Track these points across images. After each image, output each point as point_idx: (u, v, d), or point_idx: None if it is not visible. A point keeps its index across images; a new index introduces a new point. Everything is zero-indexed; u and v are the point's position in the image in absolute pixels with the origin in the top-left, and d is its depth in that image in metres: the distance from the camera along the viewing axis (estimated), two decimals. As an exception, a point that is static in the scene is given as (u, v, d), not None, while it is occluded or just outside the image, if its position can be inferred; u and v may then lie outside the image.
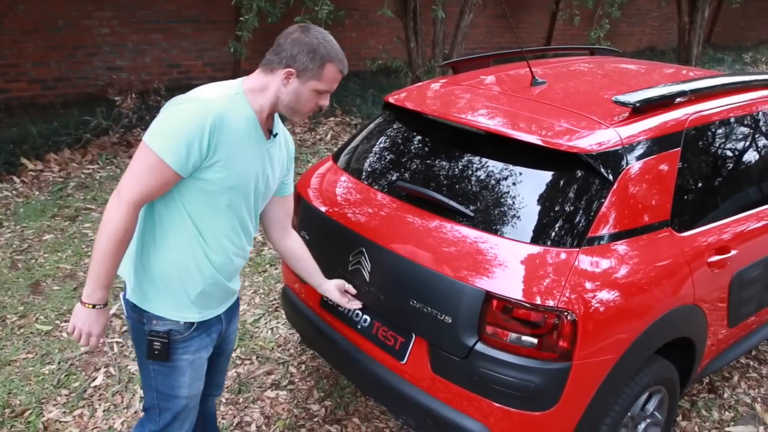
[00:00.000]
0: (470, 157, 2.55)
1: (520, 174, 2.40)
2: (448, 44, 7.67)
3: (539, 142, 2.34)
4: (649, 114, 2.53)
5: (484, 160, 2.50)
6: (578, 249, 2.18)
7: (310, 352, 3.52)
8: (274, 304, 3.96)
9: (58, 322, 3.66)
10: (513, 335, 2.13)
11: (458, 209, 2.37)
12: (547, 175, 2.37)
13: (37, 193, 5.19)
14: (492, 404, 2.19)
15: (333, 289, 2.45)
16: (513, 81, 3.06)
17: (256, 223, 2.10)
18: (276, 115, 2.03)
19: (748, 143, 2.94)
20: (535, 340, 2.10)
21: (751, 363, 3.63)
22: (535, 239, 2.22)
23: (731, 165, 2.85)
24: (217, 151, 1.79)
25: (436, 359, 2.30)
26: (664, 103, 2.58)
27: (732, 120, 2.84)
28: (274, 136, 1.99)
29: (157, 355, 1.96)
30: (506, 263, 2.21)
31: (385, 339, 2.47)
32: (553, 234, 2.23)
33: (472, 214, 2.35)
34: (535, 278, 2.15)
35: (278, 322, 3.78)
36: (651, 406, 2.60)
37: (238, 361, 3.42)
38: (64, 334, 3.55)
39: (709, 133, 2.72)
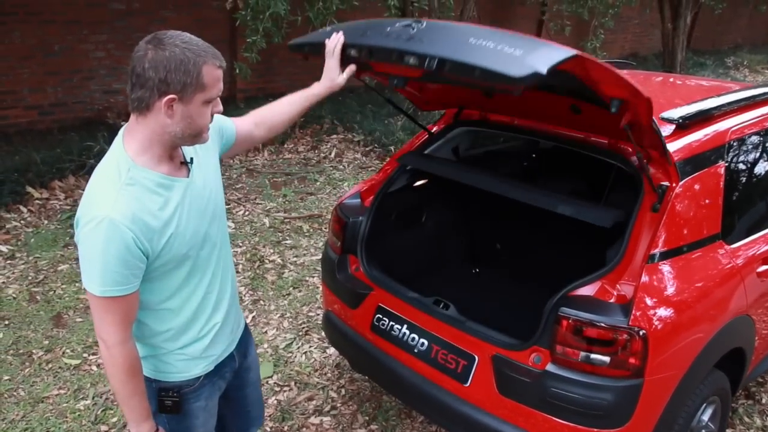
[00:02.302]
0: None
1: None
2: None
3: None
4: (693, 129, 2.57)
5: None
6: (642, 266, 2.20)
7: (348, 375, 3.50)
8: (303, 328, 3.92)
9: (86, 355, 3.59)
10: (584, 354, 2.14)
11: None
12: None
13: (46, 222, 5.09)
14: (563, 424, 2.20)
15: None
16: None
17: (226, 248, 1.94)
18: None
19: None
20: (607, 359, 2.12)
21: (782, 367, 3.69)
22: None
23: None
24: (154, 244, 1.62)
25: (502, 380, 2.30)
26: (706, 117, 2.63)
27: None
28: (191, 162, 1.75)
29: (170, 410, 1.88)
30: None
31: (445, 362, 2.47)
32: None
33: None
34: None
35: (311, 346, 3.75)
36: (706, 417, 2.63)
37: (277, 388, 3.38)
38: (94, 368, 3.49)
39: (749, 143, 2.77)
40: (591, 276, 2.23)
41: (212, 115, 1.65)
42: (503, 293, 3.21)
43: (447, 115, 3.16)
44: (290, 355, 3.68)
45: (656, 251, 2.23)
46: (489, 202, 3.48)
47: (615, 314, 2.11)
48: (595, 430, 2.17)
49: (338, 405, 3.28)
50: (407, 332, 2.61)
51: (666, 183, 2.35)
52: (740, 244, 2.56)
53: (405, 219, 3.20)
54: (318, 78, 2.18)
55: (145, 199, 1.60)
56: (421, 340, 2.55)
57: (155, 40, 1.54)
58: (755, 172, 2.81)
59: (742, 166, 2.72)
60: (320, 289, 4.38)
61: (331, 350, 3.68)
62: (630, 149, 2.49)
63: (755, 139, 2.81)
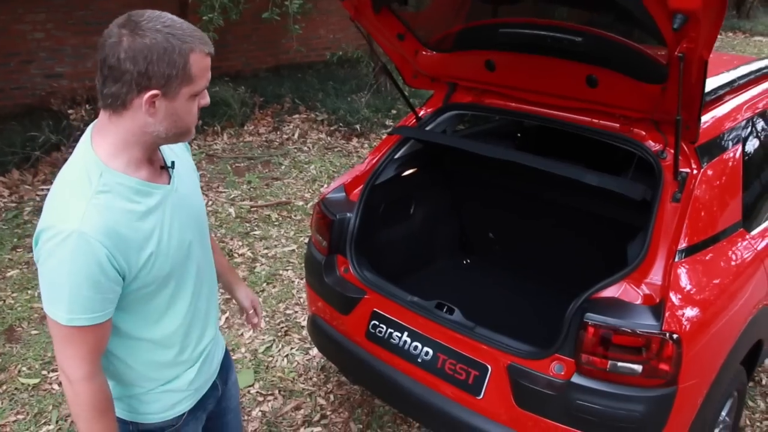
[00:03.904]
0: None
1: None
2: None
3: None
4: (706, 110, 2.39)
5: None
6: (669, 263, 2.02)
7: (335, 378, 3.27)
8: (282, 328, 3.67)
9: (45, 372, 3.26)
10: (613, 363, 1.95)
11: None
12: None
13: (-11, 222, 4.67)
14: (590, 438, 2.02)
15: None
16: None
17: (211, 263, 1.69)
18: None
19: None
20: (638, 367, 1.93)
21: (777, 345, 3.62)
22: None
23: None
24: (131, 263, 1.37)
25: (520, 392, 2.10)
26: (718, 96, 2.46)
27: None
28: (172, 167, 1.51)
29: None
30: None
31: (454, 373, 2.26)
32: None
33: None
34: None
35: (292, 348, 3.50)
36: (724, 412, 2.49)
37: (260, 398, 3.13)
38: (56, 387, 3.17)
39: (761, 120, 2.62)
40: (614, 276, 2.04)
41: (199, 109, 1.41)
42: (504, 290, 3.01)
43: (435, 98, 2.91)
44: (271, 359, 3.42)
45: (682, 246, 2.05)
46: (479, 190, 3.27)
47: (645, 318, 1.93)
48: (625, 443, 2.00)
49: (328, 413, 3.05)
50: (408, 340, 2.38)
51: (686, 170, 2.17)
52: (759, 230, 2.41)
53: (393, 212, 2.96)
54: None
55: (120, 209, 1.36)
56: (425, 348, 2.34)
57: (131, 24, 1.27)
58: (763, 150, 2.66)
59: (755, 146, 2.56)
60: (295, 282, 4.13)
61: (314, 351, 3.44)
62: (643, 132, 2.29)
63: (761, 115, 2.65)
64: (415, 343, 2.36)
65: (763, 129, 2.63)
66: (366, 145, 6.55)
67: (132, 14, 1.30)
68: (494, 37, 2.42)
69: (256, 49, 7.89)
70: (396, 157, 2.81)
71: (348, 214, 2.63)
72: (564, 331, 2.03)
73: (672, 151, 2.20)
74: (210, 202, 5.12)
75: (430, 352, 2.32)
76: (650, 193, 2.14)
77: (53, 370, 3.27)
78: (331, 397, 3.16)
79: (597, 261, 2.78)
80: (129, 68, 1.26)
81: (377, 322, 2.48)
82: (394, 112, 7.11)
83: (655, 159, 2.19)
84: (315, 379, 3.27)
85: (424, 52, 2.67)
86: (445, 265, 3.28)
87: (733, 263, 2.19)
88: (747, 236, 2.31)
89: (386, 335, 2.44)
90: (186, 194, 1.54)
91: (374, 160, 2.82)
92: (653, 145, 2.25)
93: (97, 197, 1.33)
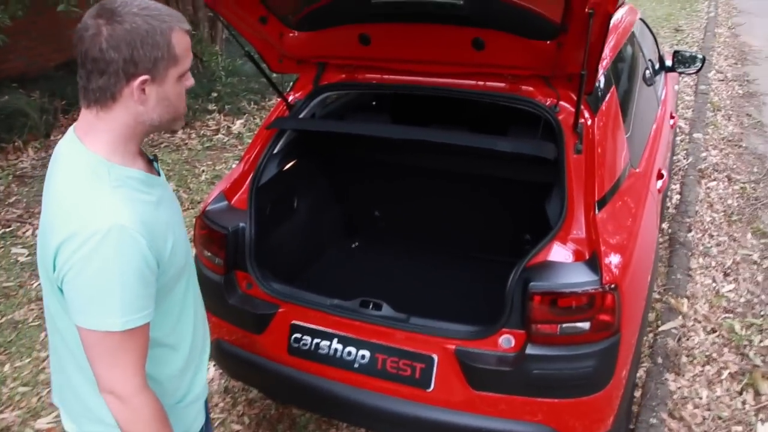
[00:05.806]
0: None
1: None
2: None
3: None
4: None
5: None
6: (591, 216, 2.05)
7: (243, 397, 3.00)
8: (166, 357, 3.29)
9: None
10: (562, 326, 1.96)
11: None
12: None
13: None
14: (549, 402, 2.03)
15: None
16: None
17: None
18: None
19: (634, 65, 3.05)
20: (586, 324, 1.96)
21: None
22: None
23: (633, 89, 2.93)
24: (162, 255, 1.35)
25: (473, 374, 2.05)
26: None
27: (624, 43, 2.90)
28: (156, 161, 1.49)
29: None
30: None
31: (397, 371, 2.14)
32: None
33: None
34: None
35: (185, 377, 3.16)
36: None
37: (167, 442, 2.79)
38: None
39: (621, 58, 2.75)
40: (544, 240, 2.03)
41: (186, 91, 1.40)
42: (412, 270, 2.91)
43: (302, 80, 2.69)
44: (165, 395, 3.06)
45: (597, 196, 2.09)
46: (358, 169, 3.13)
47: (585, 276, 1.95)
48: (583, 398, 2.03)
49: (248, 437, 2.81)
50: (339, 347, 2.22)
51: (581, 120, 2.20)
52: (639, 164, 2.55)
53: (278, 211, 2.73)
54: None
55: (139, 201, 1.33)
56: (360, 352, 2.19)
57: (107, 13, 1.24)
58: (627, 86, 2.81)
59: (621, 83, 2.68)
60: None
61: (211, 374, 3.14)
62: (532, 89, 2.29)
63: (624, 50, 2.79)
64: (348, 349, 2.20)
65: (622, 64, 2.77)
66: (194, 135, 6.09)
67: (104, 3, 1.26)
68: (367, 9, 2.25)
69: (39, 45, 6.93)
70: (275, 152, 2.57)
71: (241, 224, 2.37)
72: (508, 303, 1.99)
73: (564, 104, 2.23)
74: (35, 231, 4.44)
75: (367, 354, 2.18)
76: (557, 152, 2.15)
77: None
78: (246, 419, 2.90)
79: (490, 221, 2.81)
80: (114, 57, 1.24)
81: (299, 335, 2.28)
82: (214, 95, 6.67)
83: (551, 114, 2.20)
84: (222, 404, 2.99)
85: (290, 34, 2.43)
86: (335, 253, 3.12)
87: (635, 202, 2.29)
88: (636, 174, 2.42)
89: (312, 347, 2.25)
90: (168, 186, 1.52)
91: (251, 159, 2.56)
92: (545, 101, 2.25)
93: (116, 191, 1.28)
